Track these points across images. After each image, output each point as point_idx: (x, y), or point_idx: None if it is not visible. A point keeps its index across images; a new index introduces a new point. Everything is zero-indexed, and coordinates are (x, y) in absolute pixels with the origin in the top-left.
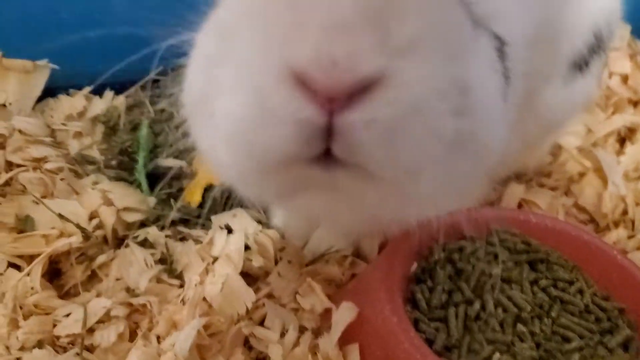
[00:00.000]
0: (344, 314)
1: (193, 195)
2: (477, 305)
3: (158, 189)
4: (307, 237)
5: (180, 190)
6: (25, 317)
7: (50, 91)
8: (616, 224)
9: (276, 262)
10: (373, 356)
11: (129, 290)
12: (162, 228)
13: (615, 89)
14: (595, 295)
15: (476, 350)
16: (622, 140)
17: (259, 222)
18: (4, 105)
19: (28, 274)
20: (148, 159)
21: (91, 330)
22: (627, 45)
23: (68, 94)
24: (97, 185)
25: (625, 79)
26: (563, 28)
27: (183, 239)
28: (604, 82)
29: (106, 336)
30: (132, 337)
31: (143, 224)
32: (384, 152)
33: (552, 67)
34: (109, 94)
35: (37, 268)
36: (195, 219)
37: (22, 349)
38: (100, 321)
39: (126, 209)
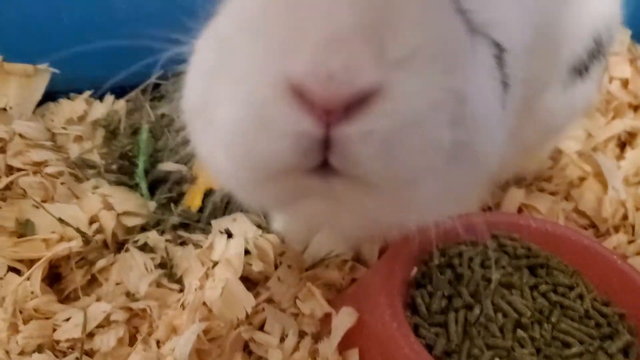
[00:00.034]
0: (344, 319)
1: (193, 200)
2: (477, 311)
3: (158, 194)
4: (307, 242)
5: (181, 194)
6: (25, 322)
7: (50, 95)
8: (616, 229)
9: (276, 267)
10: None
11: (128, 295)
12: (162, 232)
13: (616, 94)
14: (596, 301)
15: (476, 356)
16: (623, 144)
17: (259, 226)
18: (5, 109)
19: (28, 278)
20: (148, 163)
21: (91, 335)
22: (627, 49)
23: (69, 98)
24: (98, 190)
25: (625, 83)
26: (563, 33)
27: (183, 243)
28: (604, 86)
29: (106, 341)
30: (132, 341)
31: (143, 229)
32: (381, 164)
33: (552, 73)
34: (109, 98)
35: (37, 272)
36: (196, 224)
37: (21, 353)
38: (100, 326)
39: (126, 213)
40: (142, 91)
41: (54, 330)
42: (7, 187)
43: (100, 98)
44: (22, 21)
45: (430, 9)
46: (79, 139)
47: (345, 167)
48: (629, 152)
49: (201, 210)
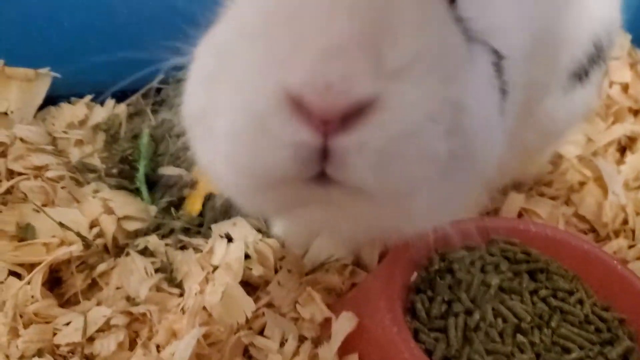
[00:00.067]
0: (344, 324)
1: (194, 204)
2: (476, 316)
3: (159, 198)
4: (307, 246)
5: (181, 199)
6: (26, 326)
7: (51, 99)
8: (616, 234)
9: (276, 271)
10: None
11: (129, 299)
12: (162, 237)
13: (616, 98)
14: (595, 306)
15: None
16: (623, 149)
17: (259, 230)
18: (6, 114)
19: (28, 283)
20: (149, 167)
21: (91, 339)
22: (628, 54)
23: (69, 102)
24: (98, 194)
25: (625, 88)
26: (562, 39)
27: (183, 247)
28: (604, 91)
29: (106, 345)
30: (132, 346)
31: (143, 233)
32: (377, 174)
33: (552, 78)
34: (110, 102)
35: (38, 276)
36: (196, 228)
37: (22, 357)
38: (100, 330)
39: (127, 218)
40: (143, 95)
41: (54, 334)
42: (8, 191)
43: (101, 102)
44: (23, 25)
45: (428, 19)
46: (79, 143)
47: (342, 176)
48: (629, 157)
49: (201, 214)
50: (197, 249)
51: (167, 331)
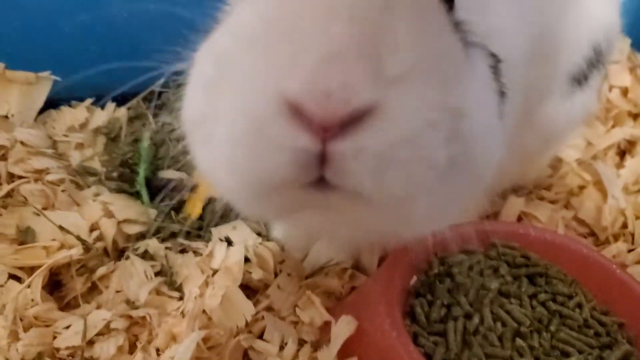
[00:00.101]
0: (343, 327)
1: (194, 208)
2: (476, 320)
3: (159, 201)
4: (306, 250)
5: (181, 202)
6: (26, 329)
7: (52, 103)
8: (616, 238)
9: (276, 275)
10: None
11: (128, 303)
12: (162, 240)
13: (615, 102)
14: (595, 310)
15: None
16: (622, 153)
17: (259, 234)
18: (6, 117)
19: (28, 286)
20: (149, 171)
21: (91, 343)
22: (627, 58)
23: (70, 106)
24: (98, 197)
25: (625, 92)
26: (562, 43)
27: (183, 251)
28: (604, 95)
29: (106, 348)
30: (132, 349)
31: (143, 236)
32: (376, 179)
33: (551, 82)
34: (110, 105)
35: (38, 280)
36: (196, 231)
37: None
38: (100, 333)
39: (127, 221)
40: (144, 99)
41: (54, 337)
42: (8, 195)
43: (102, 106)
44: (23, 29)
45: (426, 25)
46: (80, 146)
47: (341, 182)
48: (629, 161)
49: (201, 218)
50: (197, 253)
51: (166, 335)
